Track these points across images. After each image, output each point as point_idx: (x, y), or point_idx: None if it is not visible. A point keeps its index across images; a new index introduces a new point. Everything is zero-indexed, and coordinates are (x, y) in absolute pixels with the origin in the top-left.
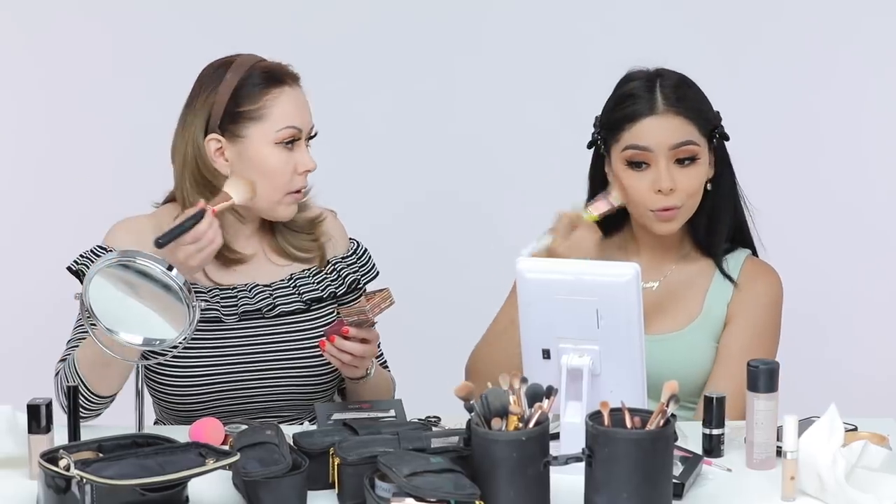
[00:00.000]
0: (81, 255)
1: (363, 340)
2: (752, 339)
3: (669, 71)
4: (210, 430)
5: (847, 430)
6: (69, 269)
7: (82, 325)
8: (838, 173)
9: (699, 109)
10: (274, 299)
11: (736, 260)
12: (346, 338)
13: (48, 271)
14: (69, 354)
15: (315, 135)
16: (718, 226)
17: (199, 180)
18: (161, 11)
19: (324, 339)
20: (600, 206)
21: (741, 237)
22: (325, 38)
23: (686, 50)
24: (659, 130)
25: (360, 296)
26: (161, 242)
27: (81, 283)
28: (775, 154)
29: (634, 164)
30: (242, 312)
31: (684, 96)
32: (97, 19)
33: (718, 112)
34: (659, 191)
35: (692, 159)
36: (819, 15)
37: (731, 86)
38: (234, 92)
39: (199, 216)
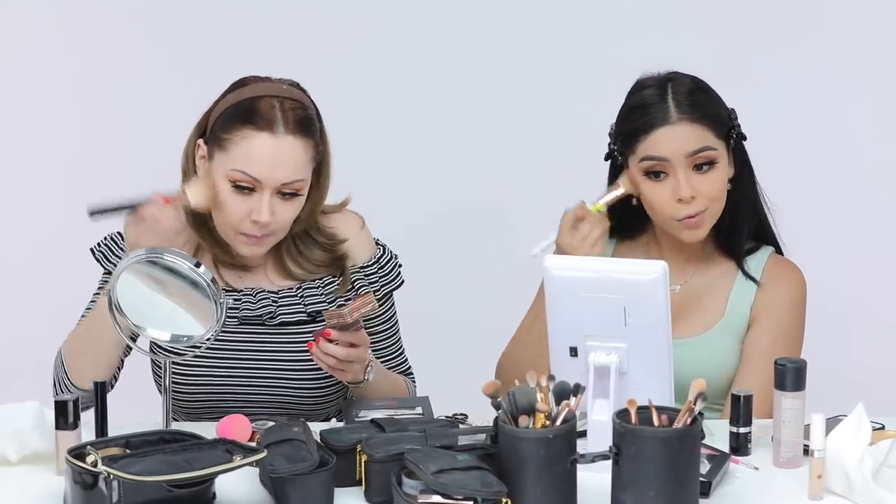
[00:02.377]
0: (104, 240)
1: (351, 345)
2: (777, 338)
3: (681, 75)
4: (237, 427)
5: (874, 429)
6: (92, 250)
7: (88, 310)
8: (864, 170)
9: (713, 113)
10: (277, 307)
11: (759, 259)
12: (330, 341)
13: (76, 268)
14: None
15: (291, 191)
16: (739, 225)
17: (185, 173)
18: (193, 10)
19: (311, 341)
20: (606, 196)
21: (763, 235)
22: (346, 40)
23: (708, 48)
24: (674, 140)
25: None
26: (93, 212)
27: (103, 266)
28: (799, 151)
29: (653, 175)
30: (243, 317)
31: (697, 102)
32: (134, 19)
33: (733, 110)
34: (680, 199)
35: (710, 164)
36: (845, 12)
37: (755, 84)
38: (221, 112)
39: (143, 199)
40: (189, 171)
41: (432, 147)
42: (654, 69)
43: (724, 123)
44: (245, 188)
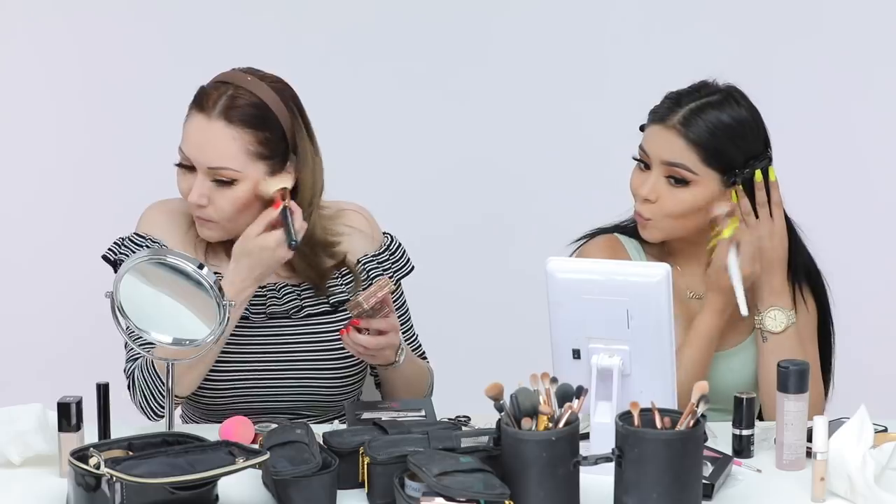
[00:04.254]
0: (116, 244)
1: (380, 332)
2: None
3: (723, 98)
4: (240, 429)
5: (877, 432)
6: (105, 258)
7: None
8: (866, 171)
9: (711, 144)
10: (301, 300)
11: None
12: (358, 329)
13: (83, 269)
14: (137, 356)
15: (220, 178)
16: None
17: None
18: (200, 10)
19: (342, 328)
20: (723, 222)
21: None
22: (349, 42)
23: (711, 49)
24: (659, 142)
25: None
26: (294, 245)
27: (116, 271)
28: (800, 153)
29: (641, 163)
30: (270, 313)
31: (699, 122)
32: (140, 19)
33: (758, 156)
34: (642, 196)
35: (683, 182)
36: (849, 14)
37: (754, 84)
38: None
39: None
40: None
41: (433, 151)
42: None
43: (724, 160)
44: (185, 167)
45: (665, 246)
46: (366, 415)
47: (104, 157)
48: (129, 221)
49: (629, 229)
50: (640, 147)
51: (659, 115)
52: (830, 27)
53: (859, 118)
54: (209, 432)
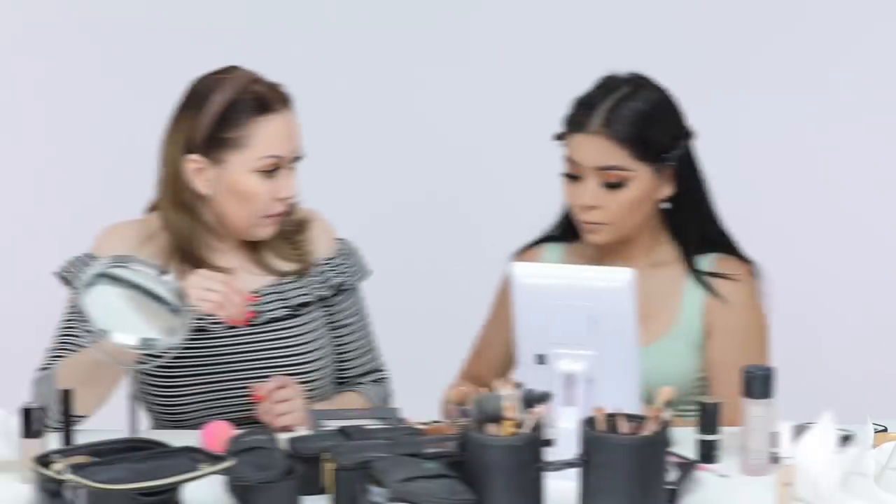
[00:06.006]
0: (69, 262)
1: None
2: (740, 346)
3: (635, 87)
4: (221, 434)
5: (877, 432)
6: (59, 275)
7: (65, 333)
8: (830, 170)
9: (640, 137)
10: (260, 306)
11: (706, 264)
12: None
13: (43, 275)
14: (50, 365)
15: (299, 158)
16: (685, 242)
17: (176, 199)
18: (156, 12)
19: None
20: None
21: (720, 243)
22: (317, 36)
23: (677, 52)
24: (588, 150)
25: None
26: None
27: (69, 288)
28: (770, 154)
29: (570, 176)
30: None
31: (620, 119)
32: (94, 22)
33: (683, 133)
34: (585, 205)
35: (620, 184)
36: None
37: (731, 86)
38: (219, 116)
39: None
40: (175, 189)
41: (400, 146)
42: (639, 68)
43: (653, 148)
44: (272, 171)
45: (599, 248)
46: (330, 422)
47: (64, 162)
48: (90, 226)
49: (557, 237)
50: (567, 159)
51: (578, 124)
52: (822, 24)
53: (828, 121)
54: (190, 437)
